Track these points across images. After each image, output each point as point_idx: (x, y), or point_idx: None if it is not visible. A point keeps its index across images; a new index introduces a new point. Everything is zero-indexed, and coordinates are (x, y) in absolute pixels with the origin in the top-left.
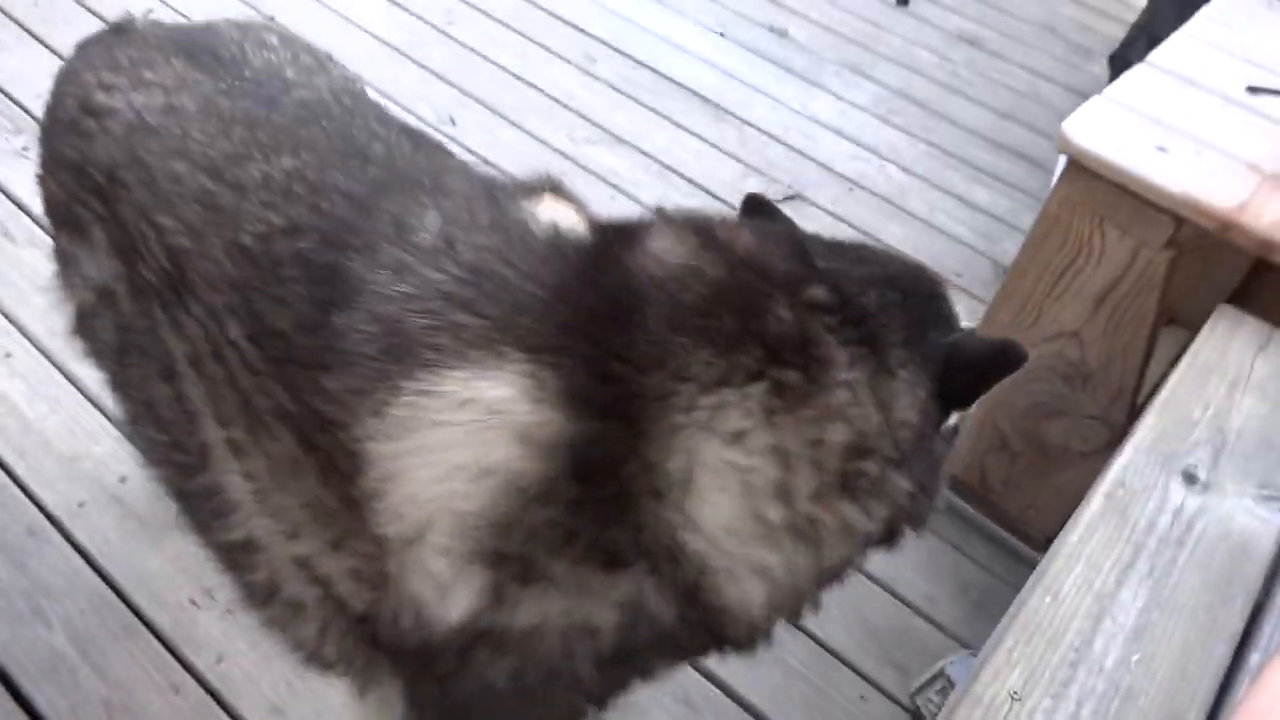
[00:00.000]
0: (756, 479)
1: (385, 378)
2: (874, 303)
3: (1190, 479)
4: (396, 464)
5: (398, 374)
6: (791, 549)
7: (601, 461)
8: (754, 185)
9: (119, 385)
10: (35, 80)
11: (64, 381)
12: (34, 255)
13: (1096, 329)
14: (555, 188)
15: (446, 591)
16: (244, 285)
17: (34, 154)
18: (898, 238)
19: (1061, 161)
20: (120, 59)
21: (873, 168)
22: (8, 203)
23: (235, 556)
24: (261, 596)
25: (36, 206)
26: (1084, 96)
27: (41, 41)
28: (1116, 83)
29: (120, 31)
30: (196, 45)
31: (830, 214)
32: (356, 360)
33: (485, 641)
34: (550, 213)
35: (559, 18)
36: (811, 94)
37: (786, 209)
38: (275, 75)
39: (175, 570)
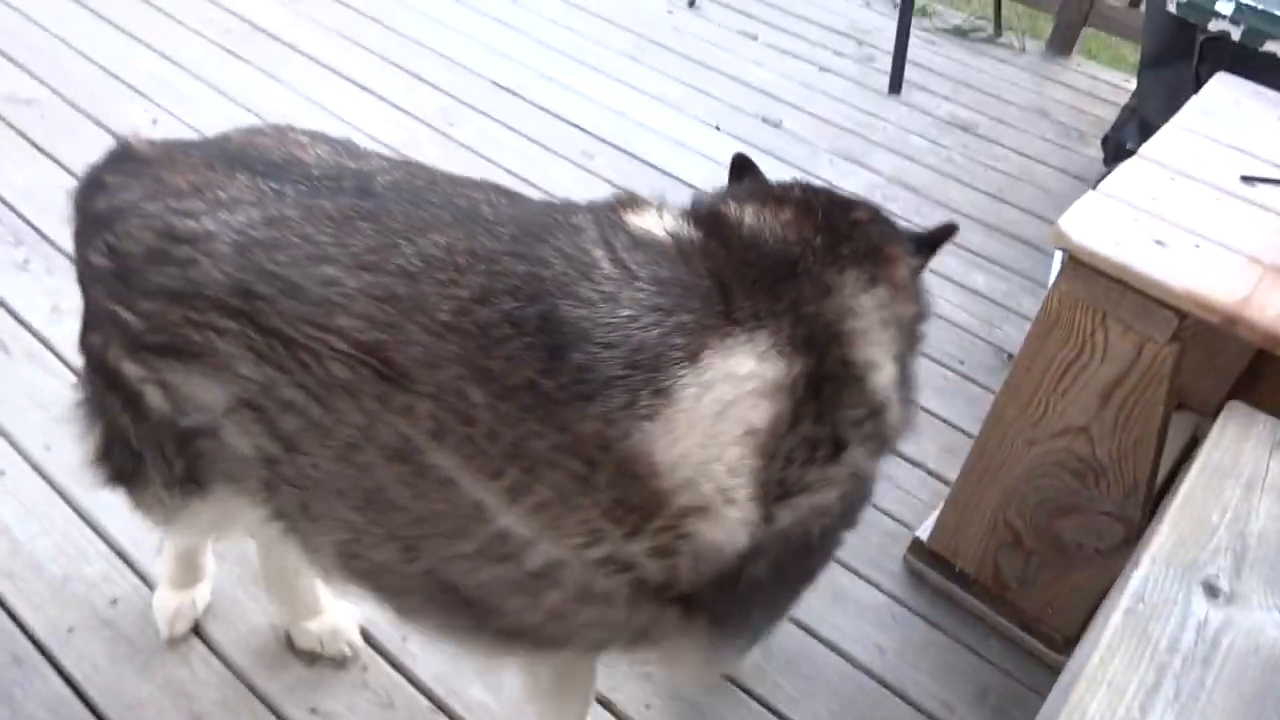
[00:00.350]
0: (896, 349)
1: (646, 385)
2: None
3: (1212, 591)
4: (680, 449)
5: (656, 378)
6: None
7: (823, 377)
8: None
9: (280, 485)
10: (39, 193)
11: (58, 500)
12: (31, 370)
13: (1106, 424)
14: (632, 200)
15: (735, 530)
16: (466, 357)
17: (35, 267)
18: None
19: (1059, 254)
20: (178, 184)
21: None
22: (6, 316)
23: (535, 584)
24: (573, 604)
25: (35, 320)
26: (1077, 179)
27: (46, 154)
28: (1110, 176)
29: (144, 159)
30: (242, 157)
31: None
32: (612, 382)
33: (756, 553)
34: (645, 220)
35: (557, 115)
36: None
37: None
38: (340, 167)
39: (165, 696)
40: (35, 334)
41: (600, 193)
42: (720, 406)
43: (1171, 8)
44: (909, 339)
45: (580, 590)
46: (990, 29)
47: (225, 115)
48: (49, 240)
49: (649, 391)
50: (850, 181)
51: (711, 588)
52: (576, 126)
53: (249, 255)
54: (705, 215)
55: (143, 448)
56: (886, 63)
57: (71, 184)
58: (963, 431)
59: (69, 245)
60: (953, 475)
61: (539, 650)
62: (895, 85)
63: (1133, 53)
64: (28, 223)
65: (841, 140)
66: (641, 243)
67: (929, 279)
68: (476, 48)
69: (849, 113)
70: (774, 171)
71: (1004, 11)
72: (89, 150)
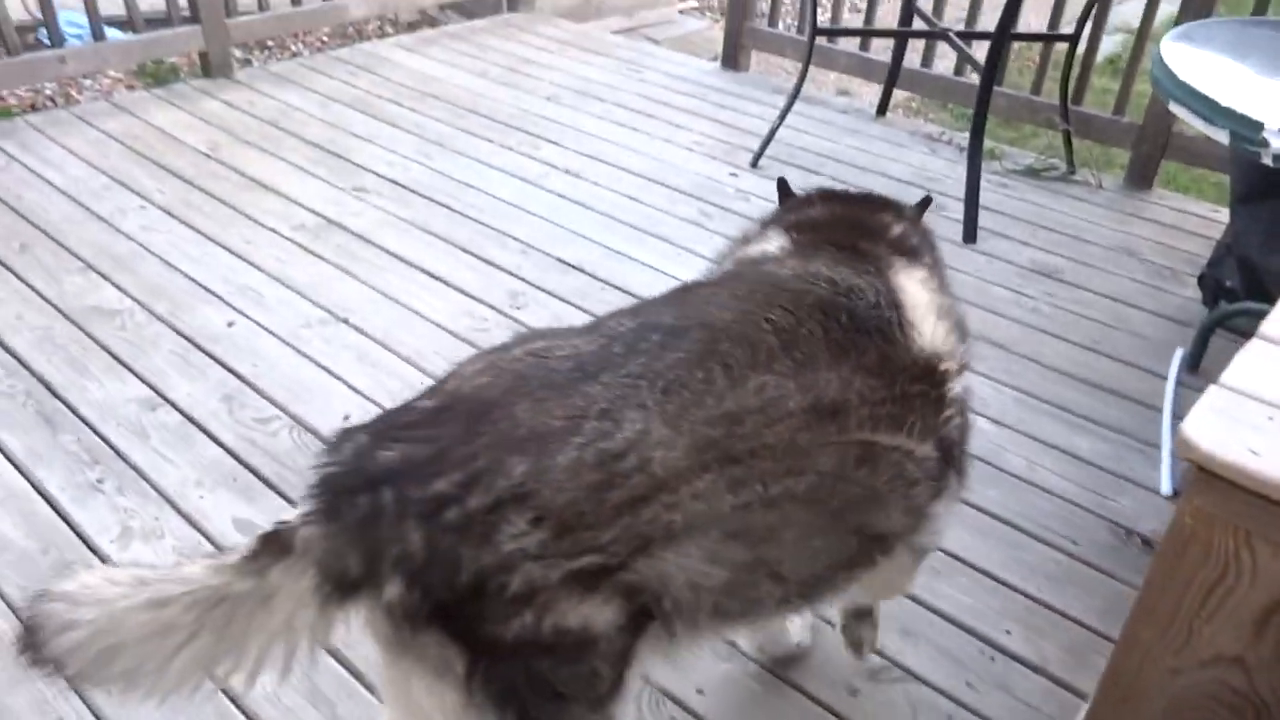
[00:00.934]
0: (939, 307)
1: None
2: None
3: None
4: (929, 338)
5: (901, 312)
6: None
7: None
8: None
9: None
10: (117, 408)
11: None
12: None
13: (1264, 653)
14: (746, 238)
15: (965, 384)
16: (852, 372)
17: (108, 486)
18: (998, 503)
19: (1169, 413)
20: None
21: None
22: (76, 540)
23: (912, 489)
24: (924, 491)
25: (104, 543)
26: (1175, 322)
27: (126, 366)
28: (1231, 368)
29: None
30: (516, 392)
31: None
32: (898, 326)
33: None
34: (764, 247)
35: (626, 291)
36: None
37: None
38: (579, 353)
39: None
40: (104, 558)
41: None
42: (922, 306)
43: (1268, 160)
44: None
45: (926, 473)
46: (1063, 167)
47: (298, 313)
48: (124, 457)
49: (904, 321)
50: None
51: (959, 441)
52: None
53: (668, 517)
54: (805, 229)
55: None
56: (958, 210)
57: (147, 396)
58: (1085, 627)
59: (142, 461)
60: (1081, 682)
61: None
62: (970, 234)
63: (1216, 178)
64: (104, 439)
65: None
66: (817, 278)
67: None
68: (543, 227)
69: None
70: None
71: (1075, 148)
72: (167, 364)
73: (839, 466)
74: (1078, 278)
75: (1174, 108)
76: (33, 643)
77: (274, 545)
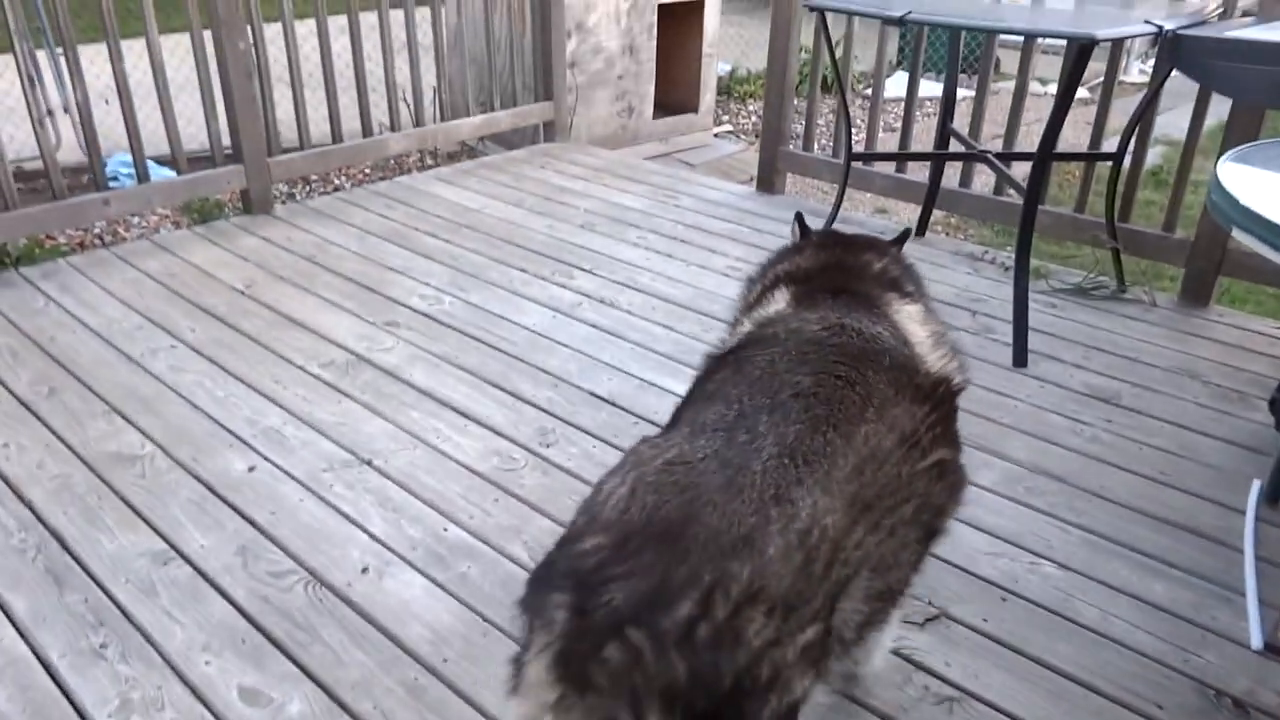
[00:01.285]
0: (937, 335)
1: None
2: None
3: None
4: (925, 351)
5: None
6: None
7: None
8: None
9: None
10: (128, 564)
11: None
12: None
13: None
14: (750, 302)
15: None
16: (901, 417)
17: (111, 653)
18: (1071, 660)
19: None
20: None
21: (1023, 567)
22: (72, 713)
23: (934, 487)
24: (941, 489)
25: (100, 717)
26: (1246, 449)
27: (141, 517)
28: None
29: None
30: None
31: (982, 633)
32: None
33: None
34: (774, 306)
35: (659, 426)
36: None
37: (928, 633)
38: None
39: None
40: None
41: None
42: (926, 338)
43: None
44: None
45: (956, 472)
46: (1113, 285)
47: (320, 455)
48: (130, 618)
49: (917, 354)
50: (985, 475)
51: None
52: None
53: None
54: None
55: None
56: (1005, 332)
57: (160, 550)
58: None
59: (148, 622)
60: None
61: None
62: (1020, 357)
63: (1275, 292)
64: (111, 598)
65: (968, 426)
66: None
67: None
68: (575, 359)
69: (974, 393)
70: None
71: (1124, 265)
72: (183, 513)
73: (926, 487)
74: (1137, 403)
75: (1238, 234)
76: None
77: None
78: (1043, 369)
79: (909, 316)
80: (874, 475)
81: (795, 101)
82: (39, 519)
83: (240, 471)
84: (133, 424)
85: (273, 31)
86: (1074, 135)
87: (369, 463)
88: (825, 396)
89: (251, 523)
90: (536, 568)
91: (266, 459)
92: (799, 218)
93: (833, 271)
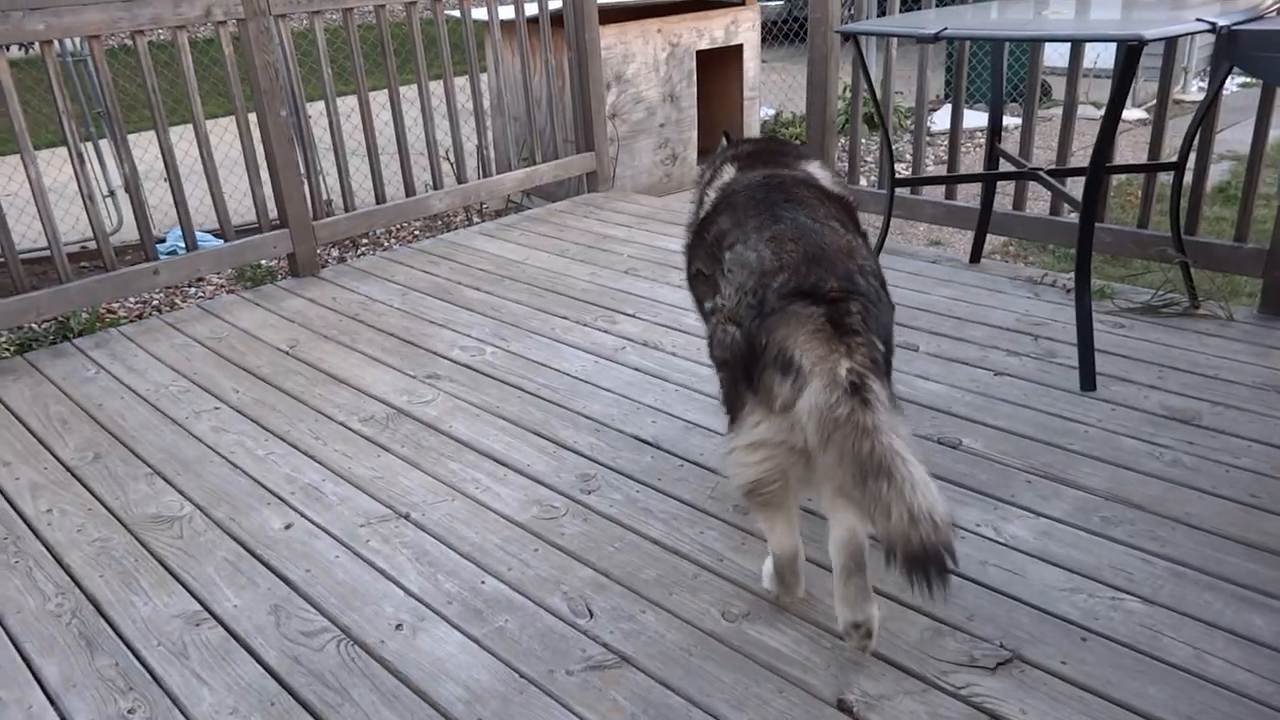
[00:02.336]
0: (834, 178)
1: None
2: None
3: None
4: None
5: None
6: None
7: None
8: (952, 647)
9: None
10: (164, 626)
11: None
12: None
13: None
14: (707, 178)
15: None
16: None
17: (139, 717)
18: (1165, 705)
19: None
20: None
21: (1103, 603)
22: None
23: None
24: None
25: None
26: None
27: (177, 578)
28: None
29: None
30: None
31: (1061, 677)
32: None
33: None
34: (726, 175)
35: (705, 468)
36: (1004, 514)
37: (999, 678)
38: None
39: None
40: None
41: (754, 558)
42: (827, 177)
43: None
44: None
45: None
46: (1185, 301)
47: (357, 510)
48: (159, 681)
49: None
50: (1055, 506)
51: None
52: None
53: None
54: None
55: None
56: (1070, 356)
57: (193, 611)
58: None
59: (178, 686)
60: None
61: None
62: (1088, 381)
63: None
64: (142, 662)
65: (1037, 454)
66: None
67: None
68: (617, 403)
69: (1040, 420)
70: (962, 506)
71: (1195, 280)
72: (218, 572)
73: (850, 239)
74: (1220, 422)
75: None
76: None
77: None
78: (1114, 391)
79: (816, 168)
80: (831, 225)
81: (841, 141)
82: (76, 583)
83: (277, 529)
84: (173, 485)
85: (319, 107)
86: (1134, 156)
87: (406, 516)
88: (801, 199)
89: (286, 581)
90: (751, 307)
91: (304, 516)
92: (726, 133)
93: (759, 152)
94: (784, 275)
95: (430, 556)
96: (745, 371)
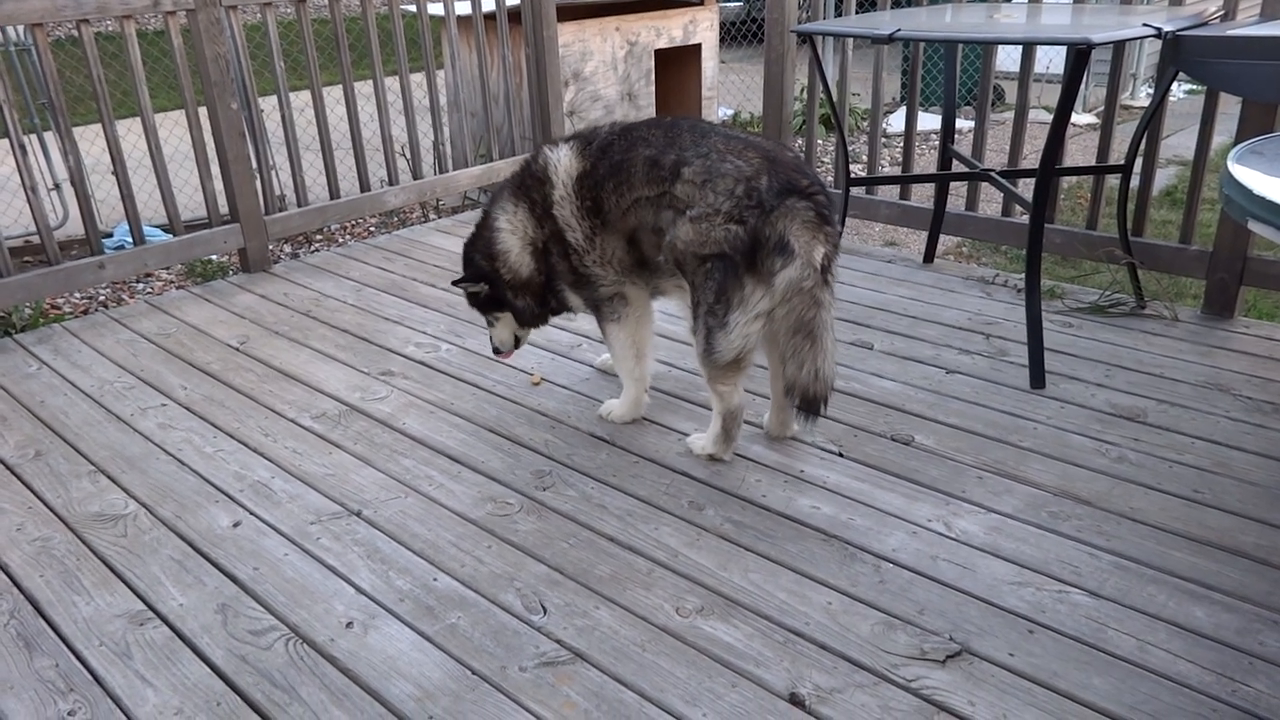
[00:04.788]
0: None
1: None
2: None
3: None
4: None
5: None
6: None
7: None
8: (903, 640)
9: None
10: (106, 626)
11: None
12: None
13: None
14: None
15: None
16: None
17: (80, 719)
18: (1109, 695)
19: None
20: None
21: (1050, 596)
22: None
23: None
24: None
25: None
26: None
27: (120, 578)
28: None
29: None
30: None
31: (1009, 669)
32: None
33: None
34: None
35: (663, 464)
36: (954, 510)
37: (949, 670)
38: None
39: None
40: None
41: (710, 553)
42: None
43: None
44: None
45: None
46: (1131, 302)
47: (307, 508)
48: (101, 682)
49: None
50: (1005, 501)
51: None
52: (684, 475)
53: None
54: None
55: None
56: (1021, 355)
57: (137, 610)
58: None
59: (120, 687)
60: None
61: None
62: (1038, 379)
63: None
64: (83, 662)
65: (988, 451)
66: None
67: None
68: (574, 400)
69: (990, 417)
70: (912, 501)
71: (1142, 280)
72: (163, 571)
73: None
74: (1165, 420)
75: (1254, 226)
76: None
77: None
78: (1062, 389)
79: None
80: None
81: (798, 141)
82: (14, 583)
83: (224, 527)
84: (117, 483)
85: (271, 101)
86: (1084, 159)
87: (358, 514)
88: (684, 126)
89: (233, 579)
90: (751, 206)
91: (252, 514)
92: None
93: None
94: (765, 178)
95: (382, 554)
96: (748, 257)
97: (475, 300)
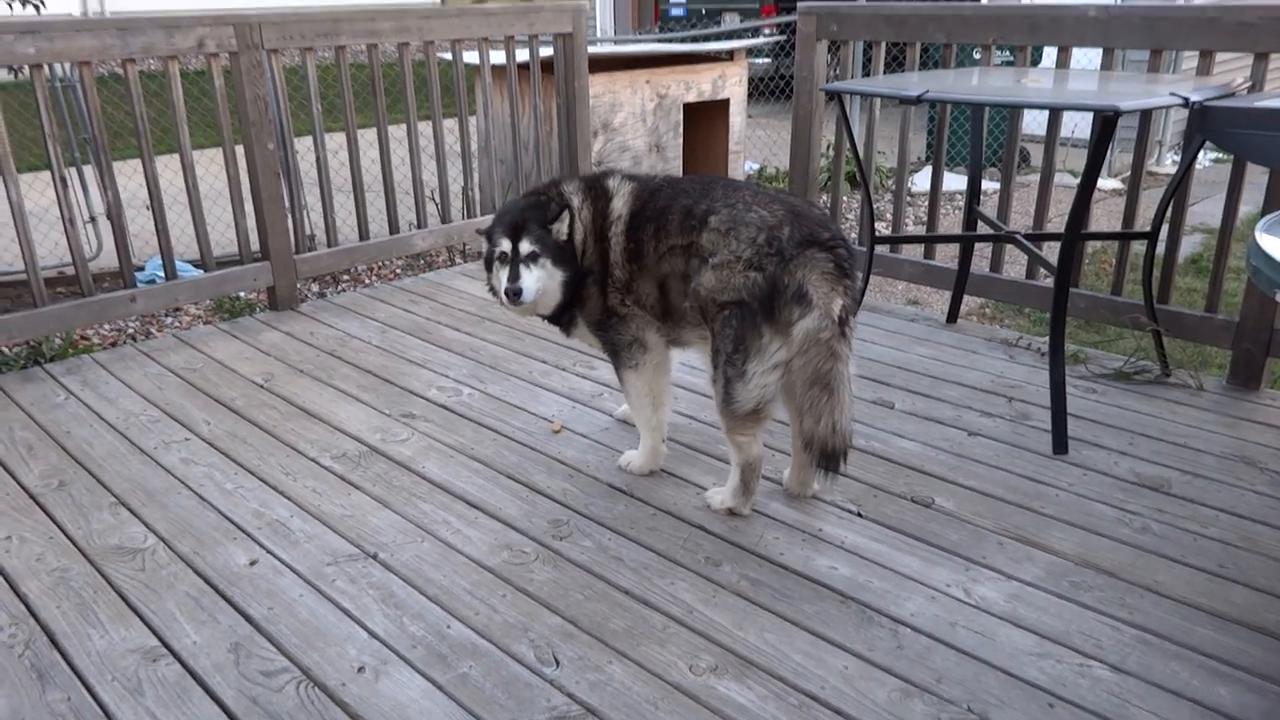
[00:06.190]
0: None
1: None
2: None
3: None
4: None
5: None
6: None
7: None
8: (920, 709)
9: None
10: (119, 661)
11: None
12: None
13: None
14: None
15: None
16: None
17: None
18: None
19: None
20: None
21: (1071, 669)
22: None
23: None
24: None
25: None
26: None
27: (135, 611)
28: None
29: None
30: None
31: None
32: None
33: None
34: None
35: (679, 518)
36: (974, 575)
37: None
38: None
39: None
40: None
41: (726, 611)
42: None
43: None
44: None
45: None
46: (1156, 369)
47: (324, 548)
48: (107, 714)
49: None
50: (1026, 569)
51: None
52: (701, 529)
53: None
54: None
55: None
56: (1043, 419)
57: (151, 646)
58: None
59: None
60: None
61: None
62: (1060, 444)
63: None
64: (95, 698)
65: (1008, 516)
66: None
67: None
68: (594, 450)
69: (1012, 482)
70: (932, 565)
71: (1167, 348)
72: (178, 608)
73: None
74: (1189, 491)
75: None
76: None
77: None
78: (1085, 456)
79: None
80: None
81: (823, 198)
82: (31, 613)
83: (241, 565)
84: (137, 516)
85: (306, 142)
86: (1109, 224)
87: (374, 556)
88: (713, 181)
89: (247, 618)
90: (771, 255)
91: (270, 552)
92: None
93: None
94: (787, 229)
95: (396, 598)
96: (765, 305)
97: (537, 233)
